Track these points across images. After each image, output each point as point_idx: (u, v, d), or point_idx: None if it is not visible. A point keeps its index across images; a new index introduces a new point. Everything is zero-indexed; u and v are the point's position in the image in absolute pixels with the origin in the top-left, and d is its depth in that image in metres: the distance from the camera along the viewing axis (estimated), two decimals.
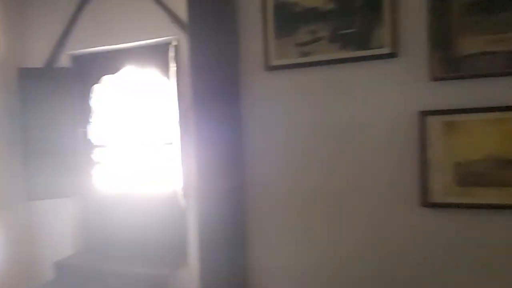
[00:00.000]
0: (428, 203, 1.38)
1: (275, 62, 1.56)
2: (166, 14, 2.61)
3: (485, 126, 1.30)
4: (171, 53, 2.63)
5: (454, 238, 1.37)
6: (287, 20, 1.53)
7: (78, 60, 3.03)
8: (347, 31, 1.46)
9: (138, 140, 2.92)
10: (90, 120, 3.06)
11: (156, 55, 2.76)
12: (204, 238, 1.68)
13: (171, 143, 2.72)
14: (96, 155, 3.07)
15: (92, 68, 3.04)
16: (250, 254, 1.64)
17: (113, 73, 2.95)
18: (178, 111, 2.55)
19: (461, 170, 1.33)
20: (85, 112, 3.05)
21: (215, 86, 1.64)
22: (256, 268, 1.63)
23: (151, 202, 2.90)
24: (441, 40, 1.33)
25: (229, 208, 1.64)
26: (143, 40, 2.75)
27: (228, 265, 1.64)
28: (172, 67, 2.63)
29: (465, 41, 1.30)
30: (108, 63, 2.97)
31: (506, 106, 1.27)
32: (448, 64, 1.33)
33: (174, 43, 2.61)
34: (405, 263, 1.43)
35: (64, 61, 3.00)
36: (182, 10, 2.41)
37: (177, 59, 2.62)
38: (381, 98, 1.43)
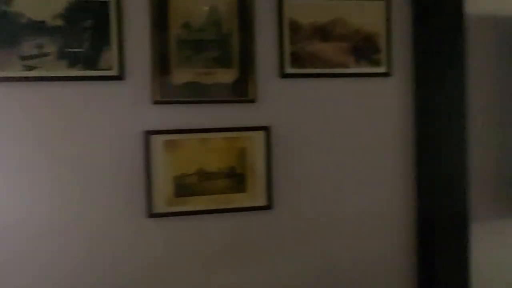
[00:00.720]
0: (153, 214, 1.52)
1: None
2: None
3: (195, 144, 1.54)
4: None
5: (175, 243, 1.56)
6: (10, 30, 1.43)
7: None
8: (75, 49, 1.47)
9: None
10: None
11: None
12: None
13: None
14: None
15: None
16: None
17: None
18: None
19: (179, 182, 1.53)
20: None
21: None
22: None
23: None
24: (162, 68, 1.51)
25: None
26: None
27: None
28: None
29: (180, 71, 1.52)
30: None
31: (209, 128, 1.55)
32: (167, 89, 1.52)
33: None
34: (134, 270, 1.52)
35: None
36: None
37: None
38: (109, 117, 1.49)
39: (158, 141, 1.51)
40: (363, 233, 1.70)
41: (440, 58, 1.68)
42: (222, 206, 1.56)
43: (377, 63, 1.70)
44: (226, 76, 1.56)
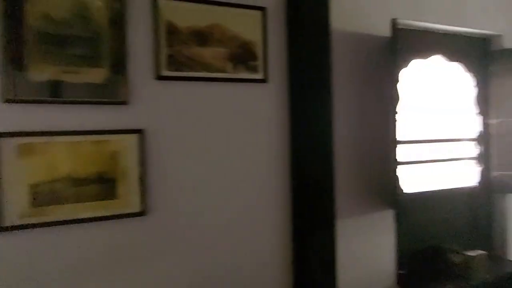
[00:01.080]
0: (3, 228, 1.33)
1: None
2: None
3: (62, 148, 1.39)
4: None
5: (34, 259, 1.39)
6: None
7: None
8: None
9: None
10: None
11: None
12: None
13: None
14: None
15: None
16: None
17: None
18: None
19: (39, 190, 1.37)
20: None
21: None
22: None
23: None
24: (15, 62, 1.34)
25: None
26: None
27: None
28: None
29: (40, 68, 1.37)
30: None
31: (75, 131, 1.42)
32: (23, 87, 1.35)
33: None
34: None
35: None
36: None
37: None
38: None
39: (10, 144, 1.33)
40: (240, 235, 1.72)
41: (310, 67, 1.81)
42: (90, 215, 1.43)
43: (254, 70, 1.75)
44: (95, 75, 1.44)
